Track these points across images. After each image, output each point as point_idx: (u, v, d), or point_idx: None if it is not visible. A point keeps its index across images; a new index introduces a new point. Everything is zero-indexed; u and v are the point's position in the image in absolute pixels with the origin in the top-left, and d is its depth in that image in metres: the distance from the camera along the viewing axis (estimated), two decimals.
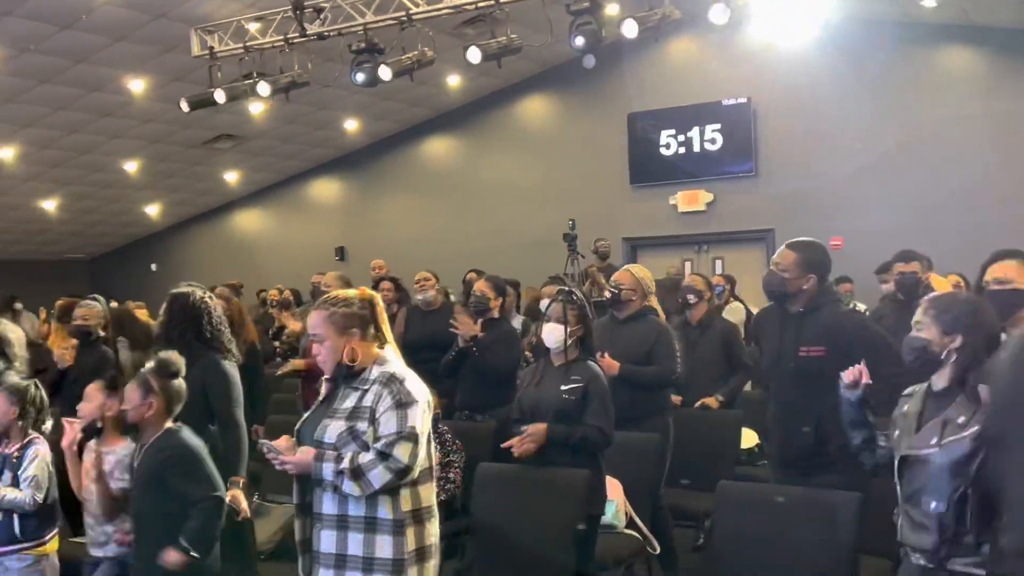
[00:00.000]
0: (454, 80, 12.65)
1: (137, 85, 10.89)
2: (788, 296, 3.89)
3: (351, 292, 3.01)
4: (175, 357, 3.61)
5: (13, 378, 4.19)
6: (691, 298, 6.06)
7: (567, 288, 4.37)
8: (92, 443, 3.90)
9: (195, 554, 3.34)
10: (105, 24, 9.29)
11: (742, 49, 11.95)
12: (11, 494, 3.85)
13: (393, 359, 2.93)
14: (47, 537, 4.00)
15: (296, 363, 6.21)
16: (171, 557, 3.34)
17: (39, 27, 9.09)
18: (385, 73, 8.66)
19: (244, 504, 4.00)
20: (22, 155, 12.40)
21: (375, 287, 7.29)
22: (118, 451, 3.81)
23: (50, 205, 14.73)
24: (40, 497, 3.91)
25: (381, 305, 3.00)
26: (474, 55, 8.47)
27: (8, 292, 13.61)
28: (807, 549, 3.33)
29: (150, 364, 3.58)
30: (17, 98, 10.64)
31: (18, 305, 12.98)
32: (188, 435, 3.56)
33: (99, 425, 3.83)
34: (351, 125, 14.04)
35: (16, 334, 4.54)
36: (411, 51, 8.74)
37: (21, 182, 13.46)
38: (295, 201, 16.20)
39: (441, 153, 14.80)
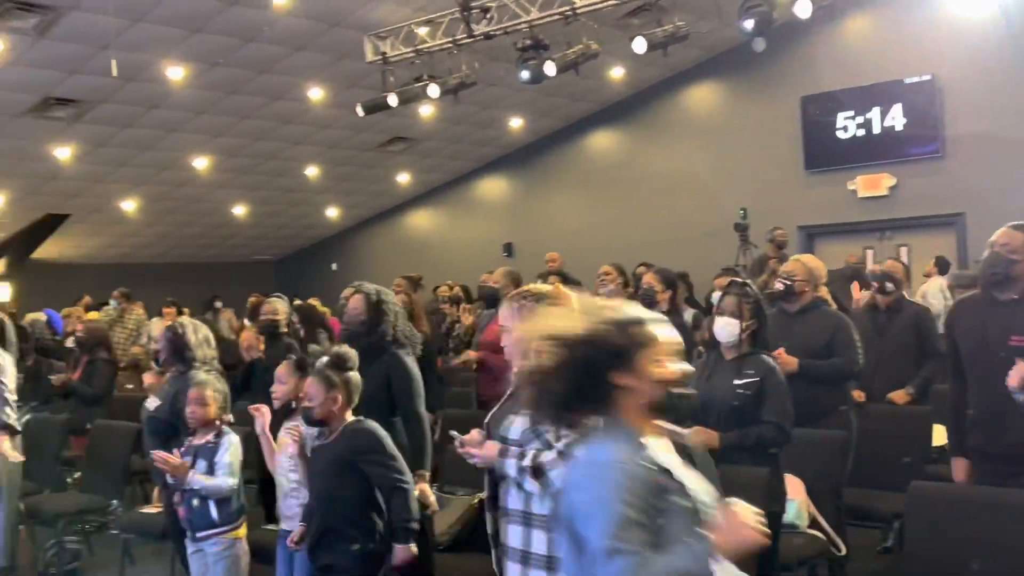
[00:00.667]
0: (618, 72, 12.56)
1: (315, 92, 11.42)
2: (1009, 280, 3.64)
3: (543, 287, 3.01)
4: (349, 351, 3.73)
5: (200, 375, 4.46)
6: (889, 286, 5.71)
7: (741, 280, 4.23)
8: (287, 423, 4.12)
9: (413, 547, 3.51)
10: (285, 35, 9.78)
11: (922, 24, 11.29)
12: (211, 481, 4.11)
13: None
14: (239, 522, 4.26)
15: (471, 354, 6.33)
16: (401, 555, 3.52)
17: (226, 41, 9.67)
18: (550, 69, 8.70)
19: (432, 497, 4.10)
20: (215, 164, 13.25)
21: (544, 281, 7.34)
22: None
23: (239, 210, 15.69)
24: (234, 483, 4.16)
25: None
26: (639, 45, 8.38)
27: (208, 293, 14.61)
28: (1015, 558, 3.08)
29: (324, 359, 3.72)
30: (209, 110, 11.37)
31: (218, 304, 13.92)
32: (375, 426, 3.70)
33: (293, 406, 4.02)
34: (516, 123, 14.20)
35: (202, 332, 4.79)
36: (576, 45, 8.74)
37: (214, 189, 14.39)
38: (464, 200, 16.55)
39: (606, 146, 14.74)
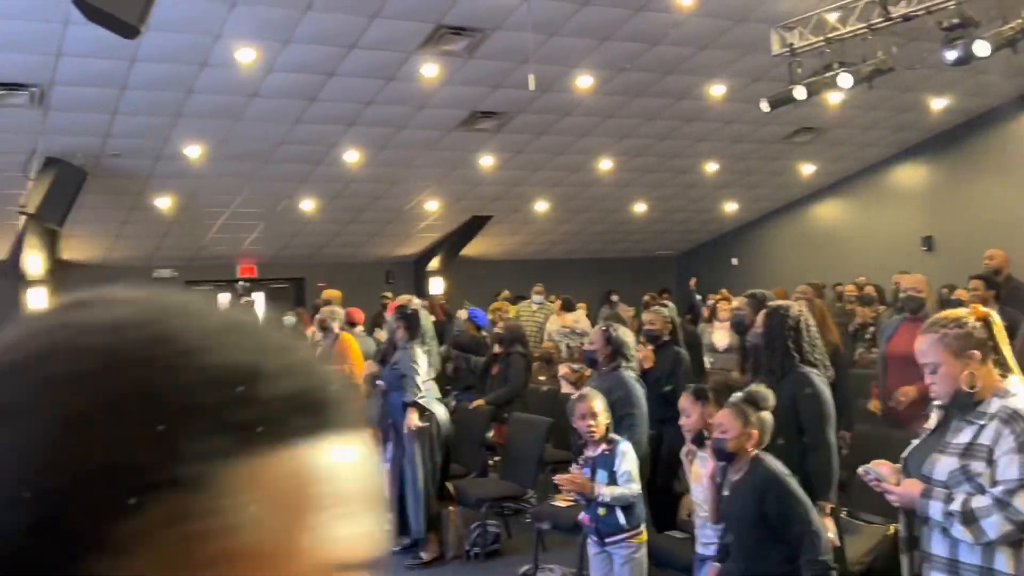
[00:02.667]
0: None
1: (718, 89, 11.34)
2: None
3: (962, 311, 2.72)
4: (767, 392, 3.61)
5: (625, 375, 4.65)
6: None
7: None
8: (692, 448, 4.13)
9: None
10: (690, 35, 9.82)
11: None
12: (617, 491, 4.25)
13: (1020, 391, 2.59)
14: (642, 526, 4.36)
15: (909, 391, 5.86)
16: None
17: (633, 47, 9.94)
18: (982, 48, 7.80)
19: (832, 531, 3.89)
20: (620, 164, 13.72)
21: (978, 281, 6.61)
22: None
23: (642, 207, 16.11)
24: (638, 489, 4.27)
25: (1000, 325, 2.67)
26: None
27: (607, 287, 15.24)
28: None
29: (740, 395, 3.64)
30: (616, 113, 11.79)
31: (614, 298, 14.46)
32: (777, 463, 3.55)
33: (705, 434, 4.00)
34: (939, 104, 12.97)
35: (629, 337, 5.03)
36: (1012, 20, 7.75)
37: (619, 188, 14.92)
38: (876, 189, 15.48)
39: None
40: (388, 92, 10.18)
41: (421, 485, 6.23)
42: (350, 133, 11.20)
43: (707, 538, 3.99)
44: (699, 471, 4.01)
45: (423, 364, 6.31)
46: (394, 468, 6.30)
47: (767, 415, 3.56)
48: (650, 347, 6.03)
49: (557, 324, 10.83)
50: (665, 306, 6.55)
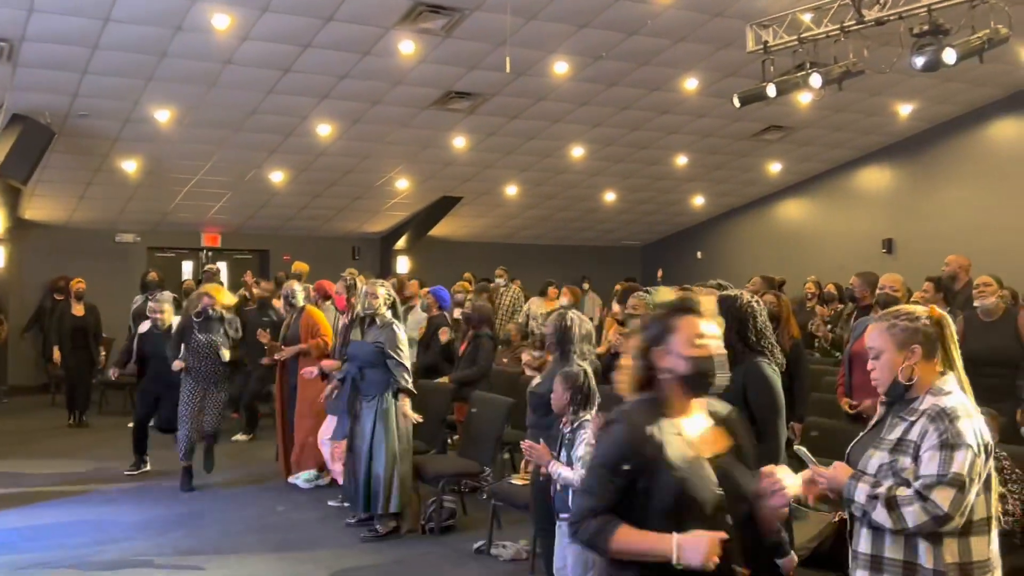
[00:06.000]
0: None
1: (692, 83, 11.44)
2: None
3: (919, 308, 2.82)
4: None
5: (573, 366, 4.71)
6: None
7: None
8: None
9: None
10: (667, 27, 9.89)
11: None
12: (566, 472, 4.31)
13: (954, 390, 2.69)
14: None
15: (842, 401, 6.06)
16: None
17: (610, 36, 9.99)
18: (950, 56, 7.96)
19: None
20: (591, 152, 13.80)
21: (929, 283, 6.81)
22: None
23: (611, 196, 16.21)
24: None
25: (952, 329, 2.76)
26: None
27: (573, 273, 15.33)
28: None
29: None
30: (590, 101, 11.84)
31: (586, 285, 14.57)
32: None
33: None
34: (906, 110, 13.19)
35: (586, 327, 5.08)
36: (981, 29, 7.92)
37: (589, 176, 15.00)
38: (840, 190, 15.72)
39: (1012, 136, 13.20)
40: (363, 66, 10.15)
41: (398, 464, 6.28)
42: (323, 106, 11.15)
43: None
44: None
45: (407, 347, 6.37)
46: (359, 443, 6.33)
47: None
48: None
49: (544, 308, 11.02)
50: (648, 292, 6.65)
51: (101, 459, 8.85)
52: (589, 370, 4.70)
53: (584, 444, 4.32)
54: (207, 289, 8.29)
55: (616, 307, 8.06)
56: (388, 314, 6.39)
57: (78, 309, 11.15)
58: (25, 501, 7.33)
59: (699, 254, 18.28)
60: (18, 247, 13.92)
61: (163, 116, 10.86)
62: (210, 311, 7.79)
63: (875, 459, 2.69)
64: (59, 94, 10.04)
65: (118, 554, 5.94)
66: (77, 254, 13.79)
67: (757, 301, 4.17)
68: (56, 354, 11.20)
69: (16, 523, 6.68)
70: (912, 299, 6.42)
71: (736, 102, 10.03)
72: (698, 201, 17.07)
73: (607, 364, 5.99)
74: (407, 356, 6.43)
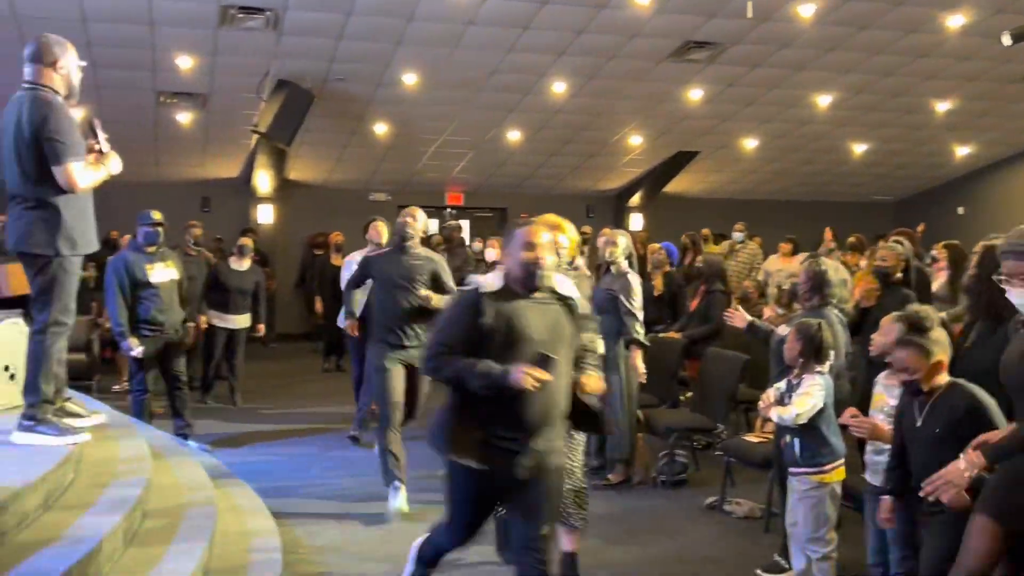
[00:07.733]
0: None
1: (956, 21, 10.47)
2: None
3: None
4: (926, 310, 3.56)
5: (831, 313, 4.58)
6: None
7: None
8: (881, 376, 4.03)
9: None
10: None
11: None
12: (777, 409, 4.25)
13: None
14: (829, 466, 4.23)
15: None
16: None
17: None
18: None
19: None
20: (839, 101, 13.02)
21: None
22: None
23: (861, 149, 15.26)
24: (795, 414, 4.16)
25: None
26: None
27: (814, 232, 14.59)
28: None
29: (903, 326, 3.58)
30: (838, 47, 11.15)
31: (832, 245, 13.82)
32: (976, 389, 3.43)
33: (887, 360, 3.91)
34: None
35: (842, 273, 4.91)
36: None
37: (836, 127, 14.18)
38: None
39: None
40: (600, 20, 10.10)
41: (627, 412, 6.33)
42: (560, 63, 11.23)
43: (875, 464, 4.00)
44: (884, 397, 3.96)
45: (640, 298, 6.35)
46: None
47: (939, 333, 3.46)
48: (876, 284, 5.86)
49: (781, 265, 10.63)
50: (900, 243, 6.22)
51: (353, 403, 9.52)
52: (835, 321, 4.53)
53: (801, 394, 4.17)
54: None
55: (862, 260, 7.61)
56: (624, 263, 6.37)
57: (338, 260, 11.87)
58: (283, 436, 8.06)
59: (960, 210, 16.84)
60: (283, 205, 15.15)
61: (410, 79, 11.36)
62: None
63: None
64: (318, 59, 10.75)
65: (373, 487, 6.34)
66: (334, 212, 14.77)
67: None
68: (318, 304, 11.79)
69: (276, 454, 7.39)
70: None
71: (1006, 39, 9.07)
72: (962, 152, 15.70)
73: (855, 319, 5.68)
74: (639, 307, 6.37)
